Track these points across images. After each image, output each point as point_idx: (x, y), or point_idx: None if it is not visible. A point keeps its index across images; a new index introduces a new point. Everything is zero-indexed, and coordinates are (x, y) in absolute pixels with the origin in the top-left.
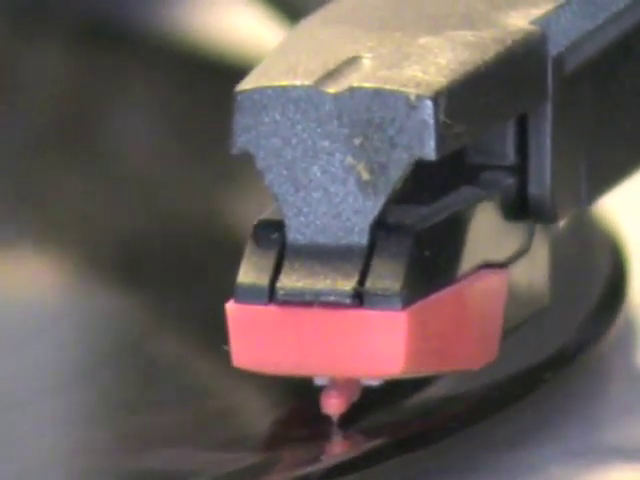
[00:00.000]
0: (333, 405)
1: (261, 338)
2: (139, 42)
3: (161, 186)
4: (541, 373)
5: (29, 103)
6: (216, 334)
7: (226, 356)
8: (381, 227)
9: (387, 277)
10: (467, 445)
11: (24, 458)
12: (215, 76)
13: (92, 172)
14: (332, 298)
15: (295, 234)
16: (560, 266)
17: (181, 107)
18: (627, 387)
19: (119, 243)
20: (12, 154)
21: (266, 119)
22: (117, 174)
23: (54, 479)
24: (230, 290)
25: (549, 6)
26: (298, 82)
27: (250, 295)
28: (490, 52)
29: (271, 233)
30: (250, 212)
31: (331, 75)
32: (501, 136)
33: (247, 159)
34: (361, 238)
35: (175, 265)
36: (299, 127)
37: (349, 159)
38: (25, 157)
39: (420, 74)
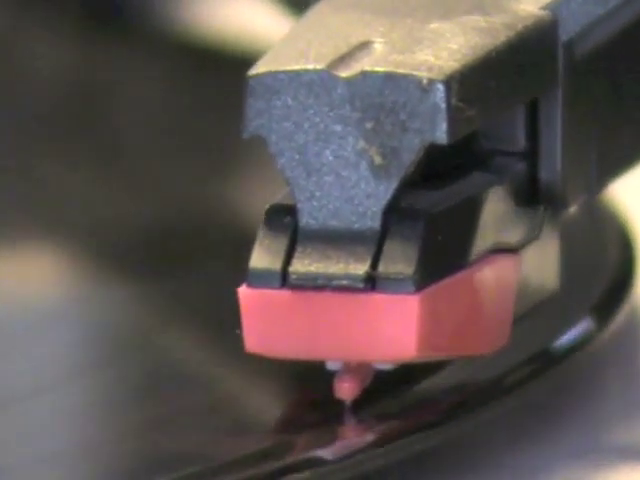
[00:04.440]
0: (346, 389)
1: (274, 322)
2: (142, 34)
3: (164, 177)
4: (542, 367)
5: (30, 96)
6: (225, 322)
7: (238, 342)
8: (393, 211)
9: (399, 261)
10: (467, 445)
11: (36, 450)
12: (219, 67)
13: (94, 164)
14: (345, 282)
15: (307, 218)
16: (567, 258)
17: (185, 99)
18: (628, 387)
19: (124, 236)
20: (13, 147)
21: (278, 103)
22: (122, 166)
23: (67, 467)
24: (235, 279)
25: None
26: (310, 66)
27: (263, 279)
28: (501, 37)
29: (283, 217)
30: (254, 202)
31: (343, 59)
32: (512, 121)
33: (252, 149)
34: (373, 222)
35: (180, 256)
36: (311, 111)
37: (361, 143)
38: (27, 149)
39: (432, 58)
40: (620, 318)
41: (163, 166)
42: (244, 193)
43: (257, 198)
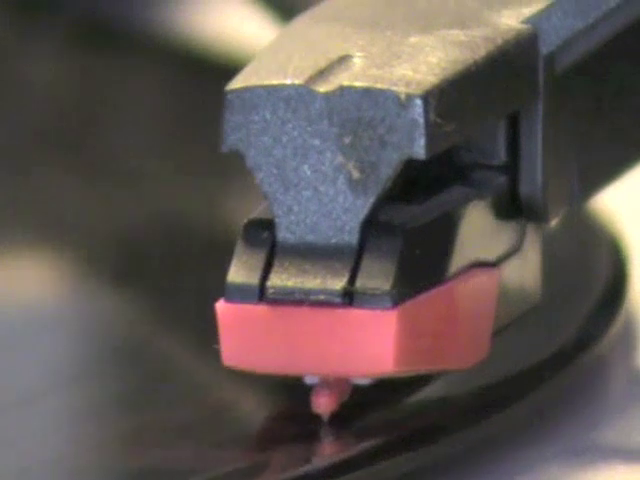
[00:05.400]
0: (323, 404)
1: (251, 337)
2: (135, 41)
3: (160, 185)
4: (541, 372)
5: (27, 102)
6: (203, 337)
7: (216, 356)
8: (371, 226)
9: (377, 276)
10: (466, 445)
11: (26, 457)
12: (211, 75)
13: (91, 171)
14: (322, 297)
15: (285, 233)
16: (559, 265)
17: (178, 105)
18: (627, 387)
19: (118, 243)
20: (10, 153)
21: (256, 118)
22: (116, 173)
23: (54, 477)
24: (216, 293)
25: (540, 5)
26: (288, 81)
27: (240, 294)
28: (481, 51)
29: (261, 232)
30: (248, 211)
31: (321, 74)
32: (492, 135)
33: (236, 162)
34: (351, 237)
35: (174, 265)
36: (289, 126)
37: (339, 158)
38: (23, 156)
39: (410, 73)
40: (615, 322)
41: (155, 176)
42: (236, 204)
43: (247, 211)
